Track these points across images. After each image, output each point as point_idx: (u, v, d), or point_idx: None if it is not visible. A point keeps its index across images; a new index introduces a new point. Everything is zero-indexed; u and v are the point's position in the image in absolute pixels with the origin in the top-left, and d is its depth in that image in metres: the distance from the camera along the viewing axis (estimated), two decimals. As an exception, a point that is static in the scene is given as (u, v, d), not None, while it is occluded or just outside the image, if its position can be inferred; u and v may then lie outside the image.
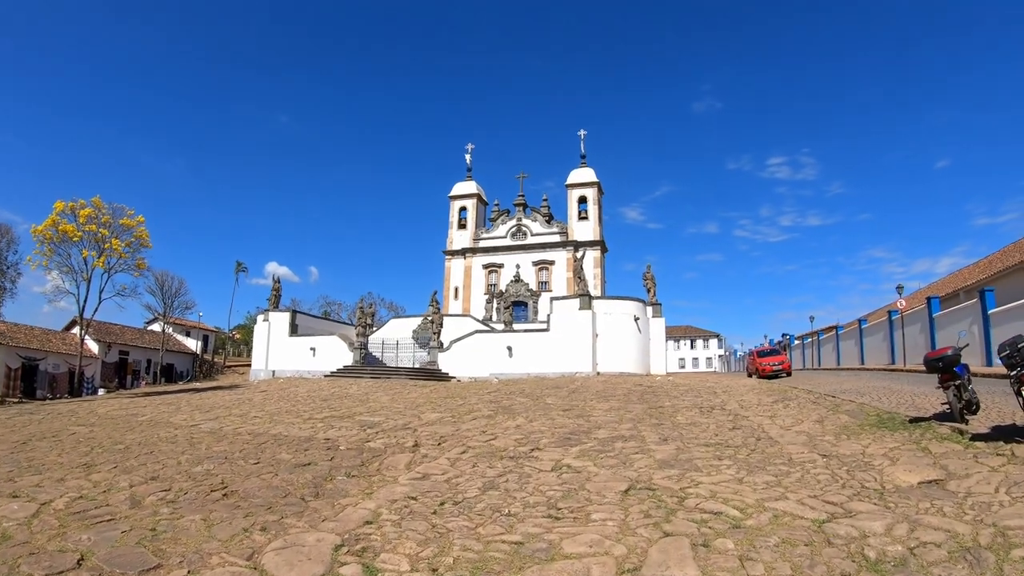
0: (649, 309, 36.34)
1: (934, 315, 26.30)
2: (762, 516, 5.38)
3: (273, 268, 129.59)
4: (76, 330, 43.11)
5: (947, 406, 8.91)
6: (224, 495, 6.68)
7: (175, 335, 62.75)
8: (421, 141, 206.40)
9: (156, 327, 60.17)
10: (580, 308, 33.20)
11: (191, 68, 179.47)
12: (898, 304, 29.55)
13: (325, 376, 33.30)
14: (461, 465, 7.93)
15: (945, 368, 8.46)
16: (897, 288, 30.86)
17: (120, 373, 51.38)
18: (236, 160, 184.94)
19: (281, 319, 39.64)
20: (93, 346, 49.52)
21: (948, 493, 5.75)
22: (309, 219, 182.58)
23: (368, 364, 36.46)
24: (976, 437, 7.60)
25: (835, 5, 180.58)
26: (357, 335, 37.25)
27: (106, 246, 28.94)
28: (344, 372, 34.17)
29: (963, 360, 8.56)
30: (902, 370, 24.17)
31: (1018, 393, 7.43)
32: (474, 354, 34.16)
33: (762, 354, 32.19)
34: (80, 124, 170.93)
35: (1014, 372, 7.30)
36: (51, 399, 37.99)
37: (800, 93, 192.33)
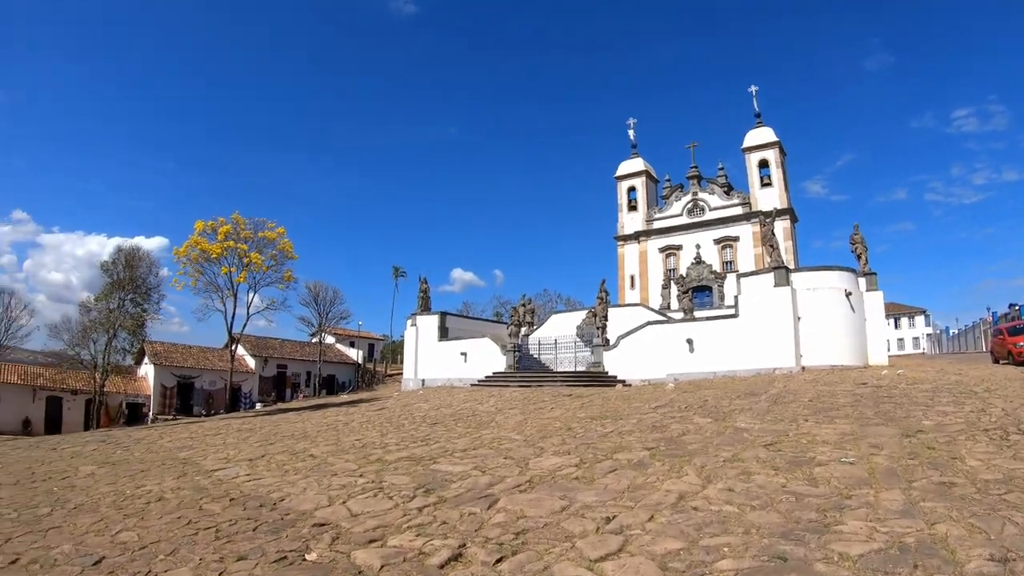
0: (862, 281, 28.61)
1: None
2: None
3: (459, 274, 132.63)
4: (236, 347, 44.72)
5: None
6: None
7: (337, 345, 64.12)
8: (581, 124, 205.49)
9: (329, 339, 61.62)
10: (775, 284, 26.71)
11: (367, 92, 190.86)
12: None
13: (472, 385, 30.75)
14: None
15: None
16: None
17: (279, 386, 52.81)
18: (416, 173, 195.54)
19: (429, 323, 37.53)
20: (250, 361, 51.33)
21: None
22: (490, 224, 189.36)
23: (524, 368, 33.28)
24: None
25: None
26: (510, 335, 34.22)
27: (246, 261, 29.37)
28: (493, 379, 31.21)
29: None
30: None
31: None
32: (646, 351, 29.21)
33: (1016, 331, 24.87)
34: (257, 150, 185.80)
35: None
36: (205, 415, 39.23)
37: (976, 34, 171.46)
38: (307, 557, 5.35)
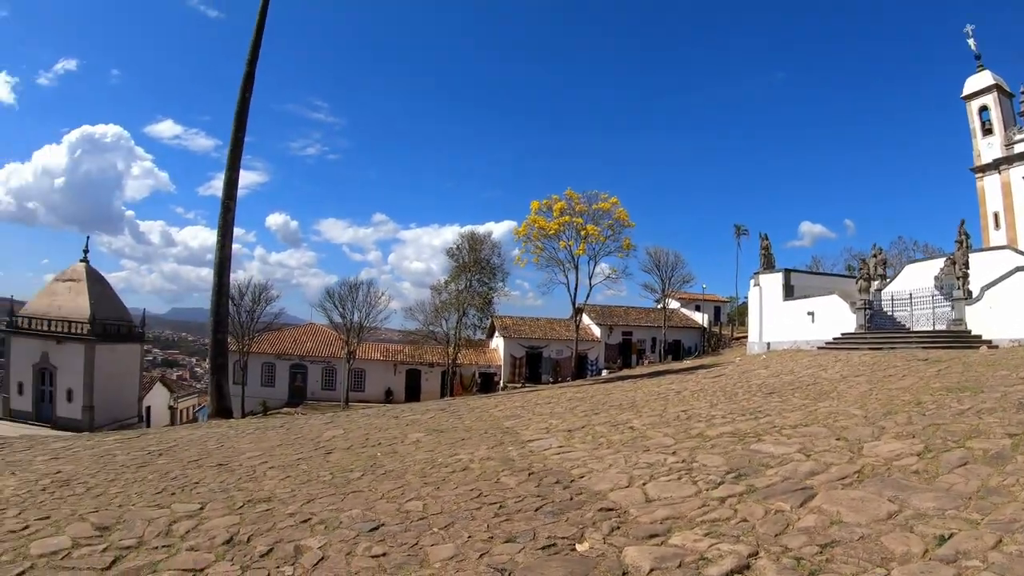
0: None
1: None
2: None
3: (807, 228, 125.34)
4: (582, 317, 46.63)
5: None
6: None
7: (681, 310, 63.63)
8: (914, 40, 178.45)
9: (673, 304, 61.56)
10: None
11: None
12: None
13: (819, 348, 28.01)
14: None
15: None
16: None
17: (624, 353, 53.90)
18: (747, 128, 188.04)
19: (772, 281, 35.18)
20: (596, 330, 53.15)
21: None
22: (836, 171, 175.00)
23: (875, 327, 29.74)
24: None
25: None
26: (859, 291, 30.62)
27: (583, 233, 30.49)
28: (841, 342, 28.28)
29: None
30: None
31: None
32: (1016, 304, 24.12)
33: None
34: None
35: None
36: (552, 383, 41.46)
37: None
38: (576, 547, 4.70)
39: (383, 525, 5.77)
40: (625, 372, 40.78)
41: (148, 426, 40.78)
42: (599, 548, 4.69)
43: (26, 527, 6.68)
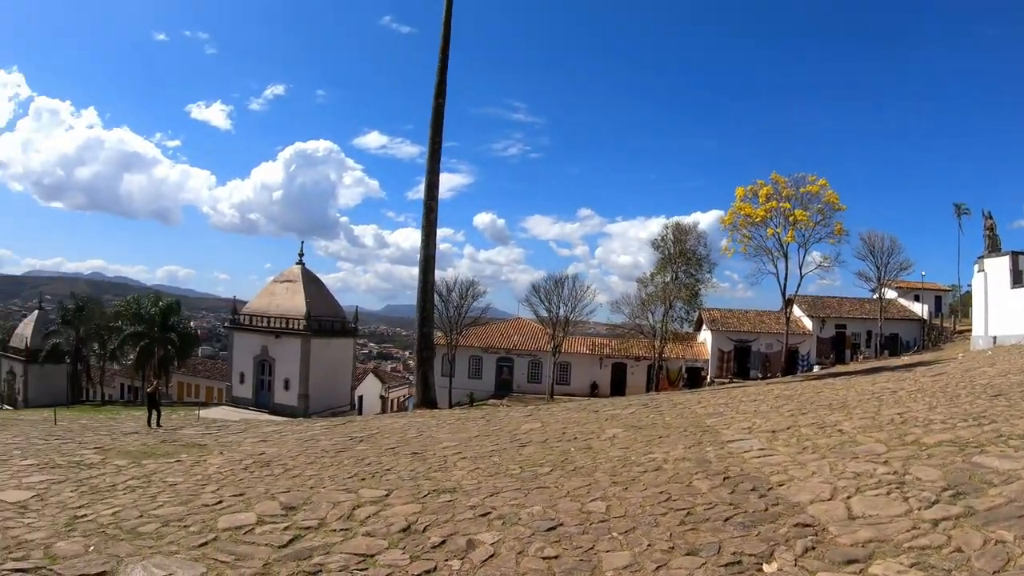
0: None
1: None
2: None
3: None
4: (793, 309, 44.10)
5: None
6: None
7: (899, 300, 58.09)
8: None
9: (889, 293, 56.54)
10: None
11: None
12: None
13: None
14: None
15: None
16: None
17: (837, 347, 50.02)
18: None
19: (999, 266, 30.53)
20: (807, 322, 49.83)
21: None
22: None
23: None
24: None
25: None
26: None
27: (792, 219, 29.37)
28: None
29: None
30: None
31: None
32: None
33: None
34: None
35: None
36: (760, 379, 39.53)
37: None
38: (763, 567, 4.22)
39: (561, 525, 5.59)
40: (838, 368, 37.95)
41: (360, 414, 43.55)
42: (788, 571, 4.20)
43: (219, 502, 7.22)
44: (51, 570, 4.95)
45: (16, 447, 12.75)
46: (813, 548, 4.59)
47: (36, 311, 57.13)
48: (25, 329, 54.16)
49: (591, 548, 4.92)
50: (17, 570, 4.94)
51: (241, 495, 7.52)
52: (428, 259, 25.80)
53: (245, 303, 49.95)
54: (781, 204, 29.90)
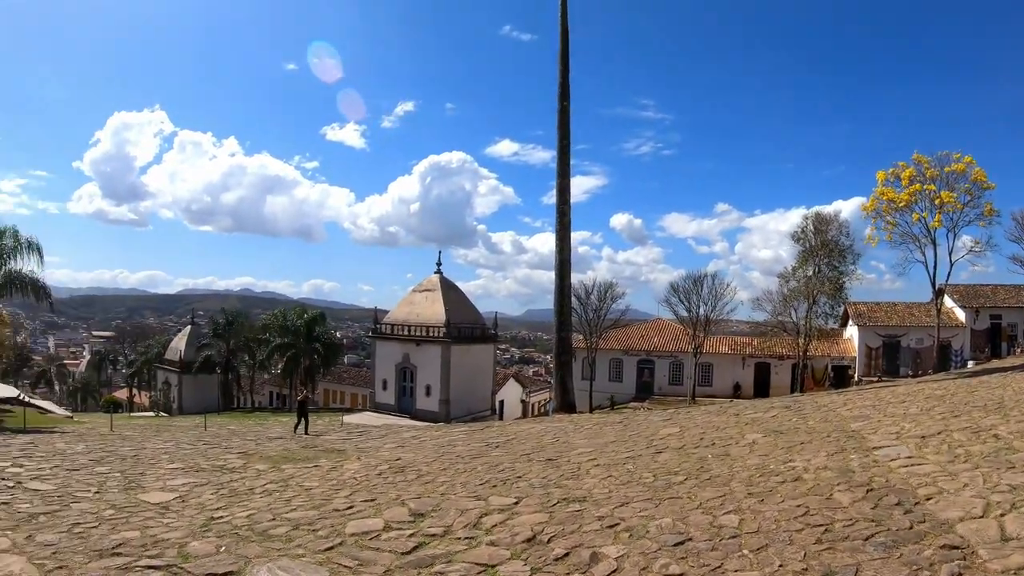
0: None
1: None
2: None
3: None
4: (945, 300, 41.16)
5: None
6: None
7: (1067, 287, 52.86)
8: None
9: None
10: None
11: None
12: None
13: None
14: None
15: None
16: None
17: (992, 340, 45.92)
18: None
19: None
20: (960, 313, 46.17)
21: None
22: None
23: None
24: None
25: None
26: None
27: (937, 202, 27.85)
28: None
29: None
30: None
31: None
32: None
33: None
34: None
35: None
36: (911, 376, 37.03)
37: None
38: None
39: (690, 540, 5.46)
40: (994, 363, 34.94)
41: (500, 418, 44.43)
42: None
43: (350, 507, 7.54)
44: (182, 568, 5.29)
45: (165, 452, 13.91)
46: (959, 574, 4.27)
47: (189, 326, 62.18)
48: (179, 343, 58.91)
49: (719, 567, 4.76)
50: (150, 567, 5.30)
51: (372, 500, 7.83)
52: (564, 263, 26.10)
53: (387, 312, 52.05)
54: (926, 186, 28.10)
